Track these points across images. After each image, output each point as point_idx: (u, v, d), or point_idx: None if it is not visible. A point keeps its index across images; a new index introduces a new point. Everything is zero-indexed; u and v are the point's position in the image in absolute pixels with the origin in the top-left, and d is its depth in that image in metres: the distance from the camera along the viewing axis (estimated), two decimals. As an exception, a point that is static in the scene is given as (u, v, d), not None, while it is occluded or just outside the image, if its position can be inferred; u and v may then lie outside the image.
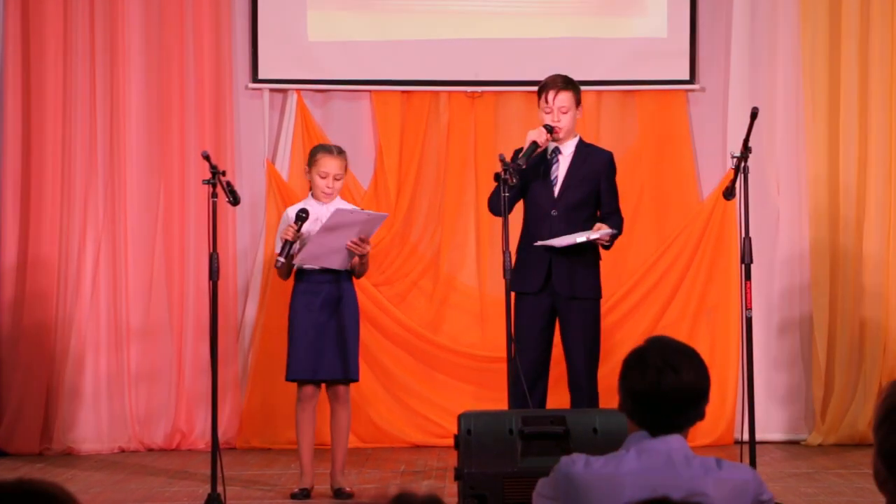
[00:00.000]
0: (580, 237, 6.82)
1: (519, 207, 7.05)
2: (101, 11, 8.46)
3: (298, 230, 6.75)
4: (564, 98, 6.94)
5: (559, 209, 6.88)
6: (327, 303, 6.90)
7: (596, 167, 7.01)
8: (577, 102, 7.02)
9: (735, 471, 3.19)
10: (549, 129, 6.88)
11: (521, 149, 6.85)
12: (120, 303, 8.47)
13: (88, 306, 8.41)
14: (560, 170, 6.98)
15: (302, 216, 6.76)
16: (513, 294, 6.76)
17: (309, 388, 6.92)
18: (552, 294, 6.90)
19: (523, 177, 6.76)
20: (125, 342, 8.47)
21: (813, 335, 8.59)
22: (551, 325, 6.96)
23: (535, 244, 6.79)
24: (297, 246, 6.79)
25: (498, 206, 6.60)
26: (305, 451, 6.90)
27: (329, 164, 6.92)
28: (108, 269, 8.46)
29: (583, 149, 7.05)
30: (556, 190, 6.95)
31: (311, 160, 6.99)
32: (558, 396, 7.21)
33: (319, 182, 6.92)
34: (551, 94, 6.94)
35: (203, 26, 8.56)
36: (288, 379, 6.96)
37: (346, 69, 8.70)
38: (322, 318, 6.88)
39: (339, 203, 6.96)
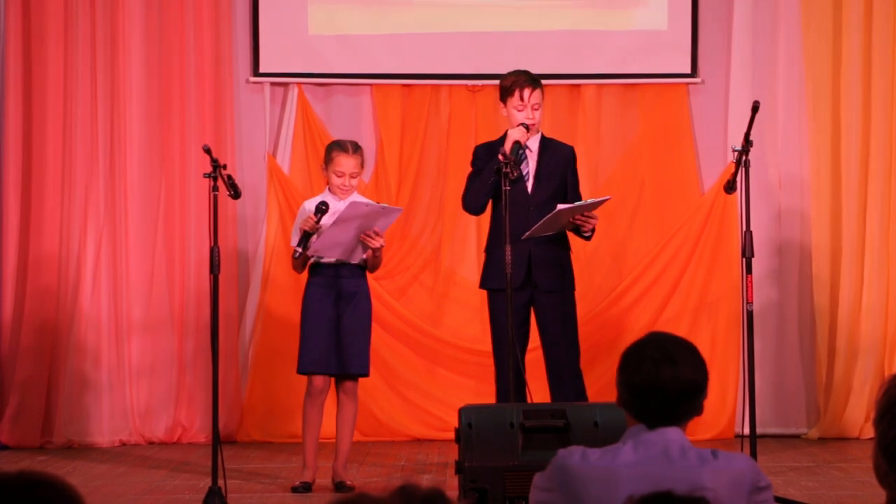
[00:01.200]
0: (580, 202, 6.82)
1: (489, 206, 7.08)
2: (102, 6, 8.46)
3: (318, 222, 6.76)
4: (538, 95, 6.97)
5: (535, 204, 6.89)
6: (341, 297, 6.89)
7: (562, 161, 7.06)
8: (543, 98, 7.06)
9: (731, 460, 3.19)
10: (527, 128, 6.90)
11: (491, 143, 7.01)
12: (121, 296, 8.48)
13: (90, 300, 8.42)
14: (529, 166, 7.00)
15: (322, 208, 6.77)
16: (486, 291, 6.96)
17: (319, 382, 6.90)
18: (531, 289, 6.90)
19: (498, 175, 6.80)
20: (126, 336, 8.48)
21: (814, 329, 8.59)
22: (528, 321, 6.97)
23: (524, 237, 6.77)
24: (314, 238, 6.80)
25: (473, 203, 6.94)
26: (310, 445, 6.89)
27: (345, 164, 6.91)
28: (109, 263, 8.47)
29: (547, 143, 7.09)
30: (530, 186, 6.97)
31: (328, 157, 6.98)
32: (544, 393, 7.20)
33: (336, 180, 6.92)
34: (527, 92, 6.94)
35: (204, 20, 8.56)
36: (299, 372, 6.94)
37: (347, 63, 8.70)
38: (335, 313, 6.88)
39: (356, 198, 6.97)
